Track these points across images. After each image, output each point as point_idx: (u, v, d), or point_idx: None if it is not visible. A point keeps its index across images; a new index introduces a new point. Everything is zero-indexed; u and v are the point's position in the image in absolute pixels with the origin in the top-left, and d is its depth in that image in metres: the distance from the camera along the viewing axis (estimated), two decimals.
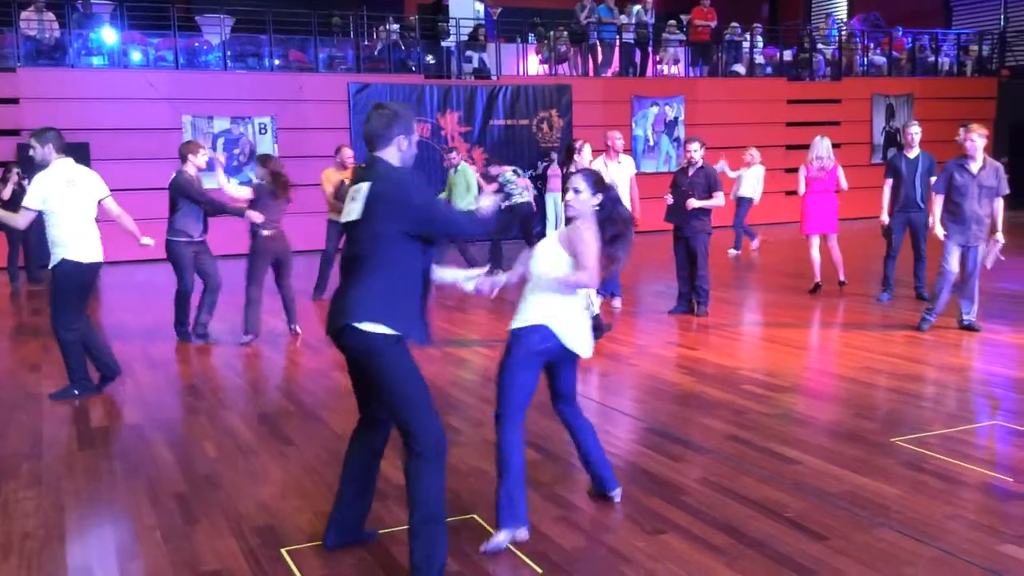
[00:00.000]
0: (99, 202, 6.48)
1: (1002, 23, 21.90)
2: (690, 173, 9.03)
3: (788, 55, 19.77)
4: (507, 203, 11.77)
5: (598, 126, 15.19)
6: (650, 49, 18.64)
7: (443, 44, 16.81)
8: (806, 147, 10.35)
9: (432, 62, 16.90)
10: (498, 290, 4.13)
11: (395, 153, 3.59)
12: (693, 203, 8.81)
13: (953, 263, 7.93)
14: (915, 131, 9.46)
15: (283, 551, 3.95)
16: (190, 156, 8.07)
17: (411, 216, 3.46)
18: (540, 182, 15.31)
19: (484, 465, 4.81)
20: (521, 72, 17.76)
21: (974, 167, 7.81)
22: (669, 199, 9.10)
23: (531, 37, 18.12)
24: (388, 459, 4.02)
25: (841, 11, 24.51)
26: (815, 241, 10.25)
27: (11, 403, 6.46)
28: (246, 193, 8.26)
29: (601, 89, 17.75)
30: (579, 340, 4.05)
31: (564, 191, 4.45)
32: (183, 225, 8.02)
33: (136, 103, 14.50)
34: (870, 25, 21.56)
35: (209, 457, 5.22)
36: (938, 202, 8.01)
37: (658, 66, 18.99)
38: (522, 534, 3.91)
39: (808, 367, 7.29)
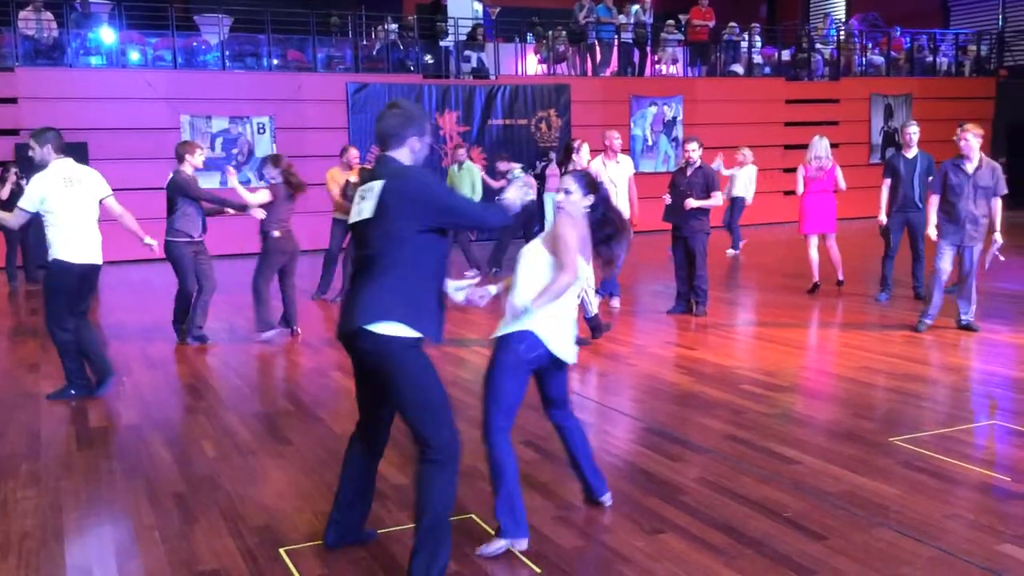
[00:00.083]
0: (101, 201, 6.46)
1: (1000, 23, 21.92)
2: (688, 173, 9.03)
3: (786, 55, 19.79)
4: (527, 199, 11.76)
5: (596, 126, 15.17)
6: (648, 49, 18.63)
7: (441, 44, 16.80)
8: (804, 147, 10.36)
9: (430, 62, 16.89)
10: (488, 300, 4.09)
11: (407, 154, 3.59)
12: (691, 203, 8.81)
13: (945, 263, 7.93)
14: (913, 131, 9.47)
15: (281, 551, 3.95)
16: (187, 156, 8.05)
17: (436, 208, 3.45)
18: (539, 182, 15.28)
19: (482, 465, 4.77)
20: (519, 72, 17.75)
21: (969, 167, 7.80)
22: (667, 199, 9.12)
23: (529, 37, 18.09)
24: (388, 459, 4.02)
25: (839, 11, 24.53)
26: (813, 241, 10.26)
27: (10, 403, 6.46)
28: (265, 197, 8.18)
29: (599, 89, 17.75)
30: (564, 346, 3.99)
31: None
32: (183, 225, 8.00)
33: (134, 103, 14.49)
34: (868, 25, 21.57)
35: (208, 457, 5.22)
36: (933, 202, 8.00)
37: (656, 66, 18.98)
38: (522, 544, 3.88)
39: (807, 367, 7.29)
